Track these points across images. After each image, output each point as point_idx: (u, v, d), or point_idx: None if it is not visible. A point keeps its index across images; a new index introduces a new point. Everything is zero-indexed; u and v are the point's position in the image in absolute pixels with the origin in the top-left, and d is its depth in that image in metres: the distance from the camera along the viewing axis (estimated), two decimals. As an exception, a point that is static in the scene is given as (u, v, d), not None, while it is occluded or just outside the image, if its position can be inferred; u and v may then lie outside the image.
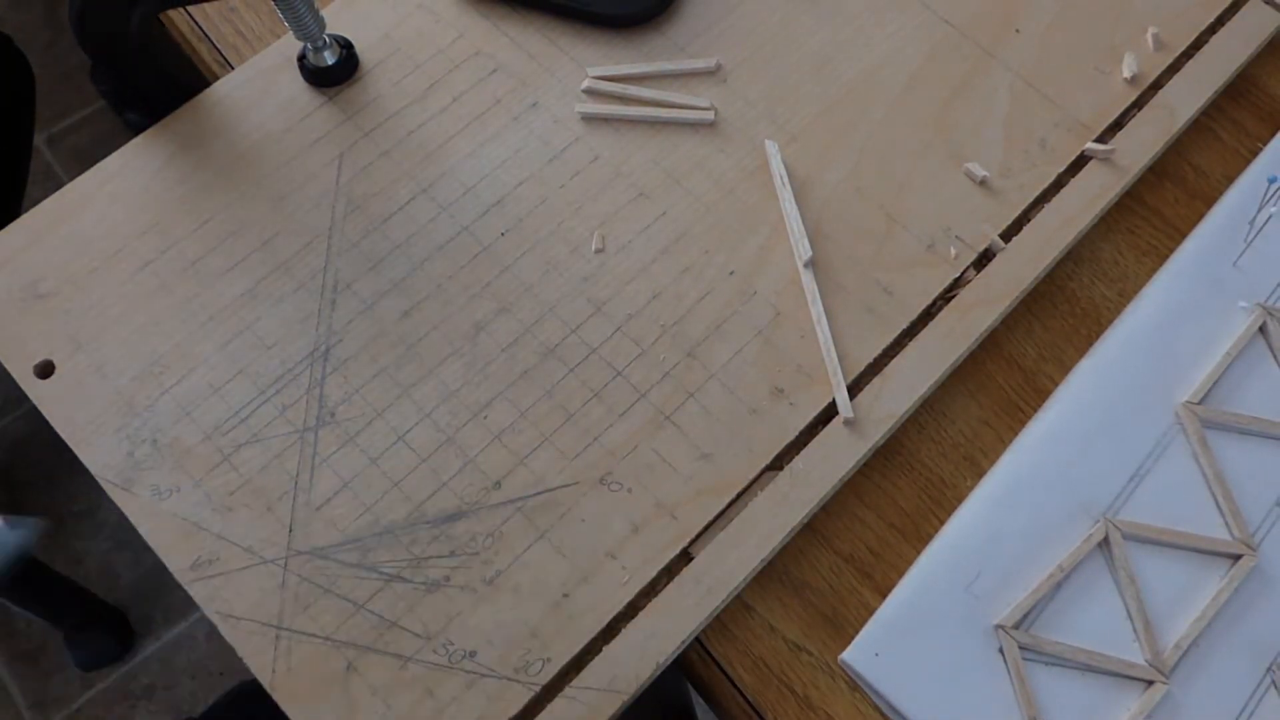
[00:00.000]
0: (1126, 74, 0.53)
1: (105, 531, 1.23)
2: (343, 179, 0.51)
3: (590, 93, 0.53)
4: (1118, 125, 0.53)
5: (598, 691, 0.41)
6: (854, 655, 0.42)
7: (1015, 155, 0.52)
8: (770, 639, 0.43)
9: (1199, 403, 0.47)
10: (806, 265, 0.48)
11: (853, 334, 0.47)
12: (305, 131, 0.52)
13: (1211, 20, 0.55)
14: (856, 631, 0.43)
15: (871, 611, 0.43)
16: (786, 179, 0.50)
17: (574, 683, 0.42)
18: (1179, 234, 0.51)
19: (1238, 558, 0.44)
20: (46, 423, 0.45)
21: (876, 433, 0.46)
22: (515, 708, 0.41)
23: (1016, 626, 0.42)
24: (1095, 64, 0.54)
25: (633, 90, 0.53)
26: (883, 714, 0.42)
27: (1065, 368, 0.48)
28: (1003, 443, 0.47)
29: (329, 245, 0.50)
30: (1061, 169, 0.52)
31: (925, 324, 0.48)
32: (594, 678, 0.42)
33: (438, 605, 0.43)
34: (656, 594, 0.43)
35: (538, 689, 0.41)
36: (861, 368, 0.47)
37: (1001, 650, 0.42)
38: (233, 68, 0.55)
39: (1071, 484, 0.45)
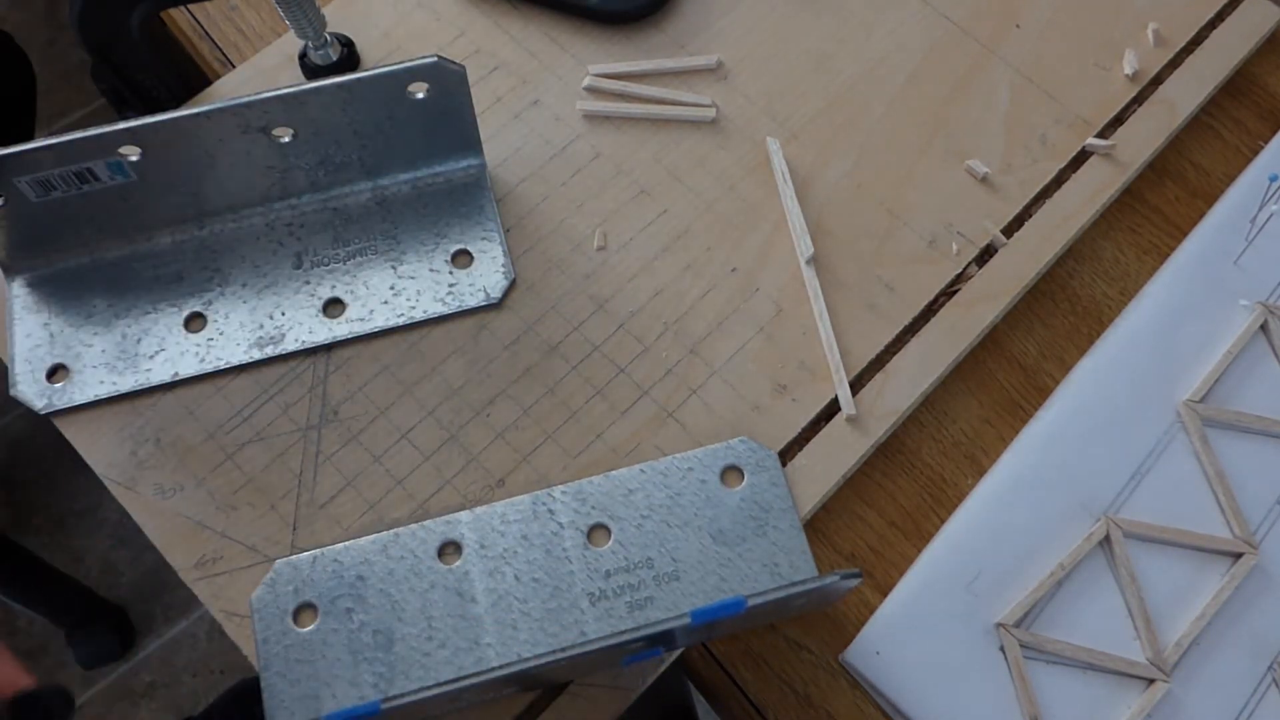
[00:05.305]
0: (1127, 70, 0.53)
1: (106, 529, 1.23)
2: (344, 177, 0.51)
3: (591, 90, 0.53)
4: (1118, 121, 0.53)
5: (604, 688, 0.41)
6: (855, 654, 0.42)
7: (1016, 151, 0.52)
8: (771, 637, 0.44)
9: (1200, 401, 0.47)
10: (808, 262, 0.48)
11: (855, 330, 0.47)
12: (306, 130, 0.52)
13: (1211, 16, 0.55)
14: (857, 630, 0.43)
15: (872, 610, 0.43)
16: (788, 176, 0.50)
17: (580, 679, 0.42)
18: (1180, 232, 0.51)
19: (1239, 556, 0.44)
20: (47, 422, 0.45)
21: (879, 429, 0.46)
22: (520, 706, 0.41)
23: (1017, 625, 0.42)
24: (1095, 60, 0.54)
25: (634, 88, 0.53)
26: (883, 712, 0.42)
27: (1066, 366, 0.48)
28: (1003, 441, 0.47)
29: (330, 243, 0.50)
30: (1062, 165, 0.52)
31: (927, 320, 0.48)
32: (601, 675, 0.42)
33: (440, 603, 0.43)
34: (659, 592, 0.43)
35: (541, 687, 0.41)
36: (864, 364, 0.47)
37: (1002, 649, 0.42)
38: (234, 66, 0.55)
39: (1072, 482, 0.45)
